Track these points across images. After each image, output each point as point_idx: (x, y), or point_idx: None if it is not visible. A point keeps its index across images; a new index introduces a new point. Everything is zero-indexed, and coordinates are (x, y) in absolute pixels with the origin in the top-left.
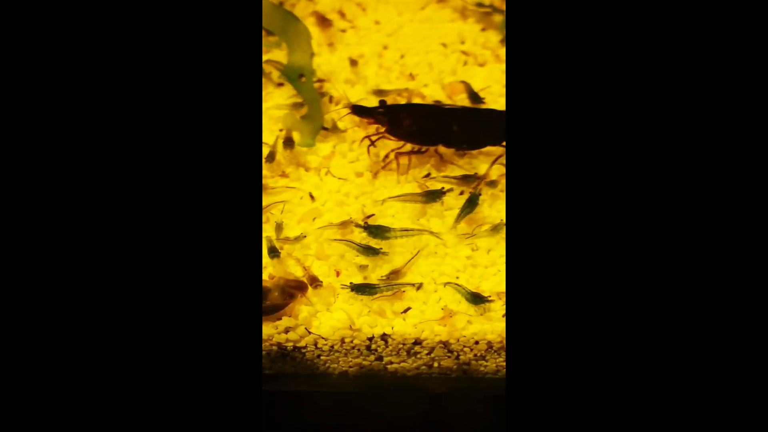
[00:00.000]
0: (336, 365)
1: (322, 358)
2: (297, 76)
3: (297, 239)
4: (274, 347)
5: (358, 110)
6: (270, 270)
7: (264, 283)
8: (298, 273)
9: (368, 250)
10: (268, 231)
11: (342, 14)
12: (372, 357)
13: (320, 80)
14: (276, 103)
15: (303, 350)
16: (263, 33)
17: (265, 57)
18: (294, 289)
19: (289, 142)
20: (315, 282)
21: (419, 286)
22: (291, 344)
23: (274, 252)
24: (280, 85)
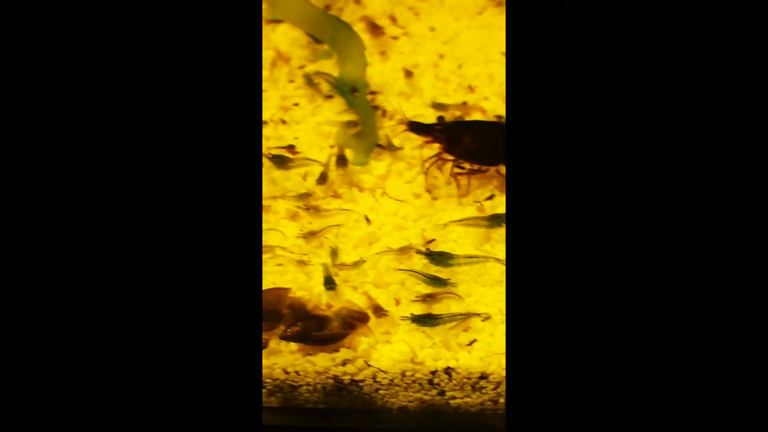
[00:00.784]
0: (395, 400)
1: (380, 392)
2: (349, 89)
3: (355, 265)
4: (330, 380)
5: (415, 127)
6: (325, 299)
7: (323, 312)
8: (357, 301)
9: (435, 281)
10: (323, 257)
11: (393, 19)
12: (434, 391)
13: (372, 92)
14: (326, 118)
15: (360, 384)
16: (311, 41)
17: (314, 67)
18: (356, 319)
19: (342, 161)
20: (379, 311)
21: (486, 317)
22: (348, 377)
23: (330, 283)
24: (330, 97)
